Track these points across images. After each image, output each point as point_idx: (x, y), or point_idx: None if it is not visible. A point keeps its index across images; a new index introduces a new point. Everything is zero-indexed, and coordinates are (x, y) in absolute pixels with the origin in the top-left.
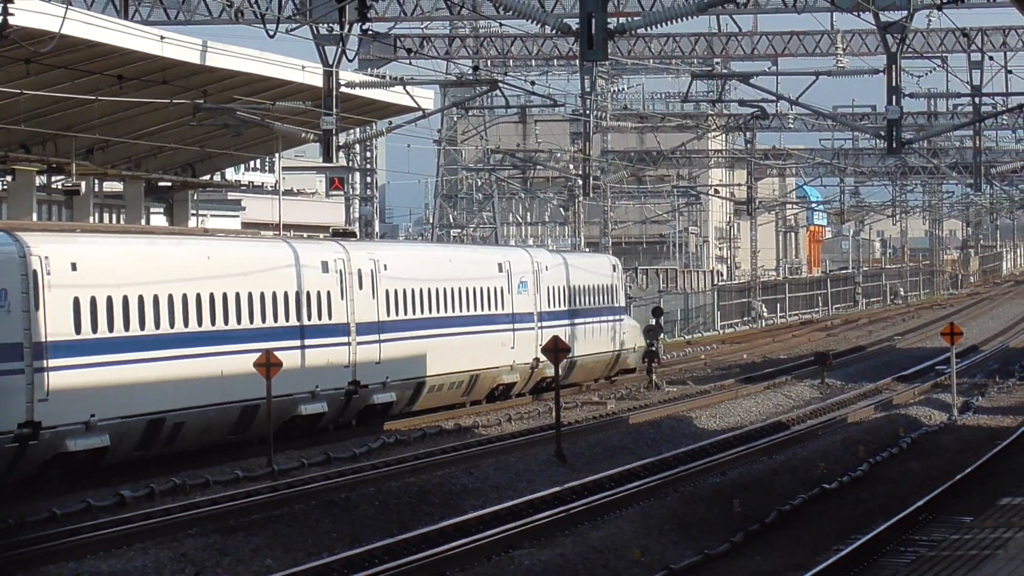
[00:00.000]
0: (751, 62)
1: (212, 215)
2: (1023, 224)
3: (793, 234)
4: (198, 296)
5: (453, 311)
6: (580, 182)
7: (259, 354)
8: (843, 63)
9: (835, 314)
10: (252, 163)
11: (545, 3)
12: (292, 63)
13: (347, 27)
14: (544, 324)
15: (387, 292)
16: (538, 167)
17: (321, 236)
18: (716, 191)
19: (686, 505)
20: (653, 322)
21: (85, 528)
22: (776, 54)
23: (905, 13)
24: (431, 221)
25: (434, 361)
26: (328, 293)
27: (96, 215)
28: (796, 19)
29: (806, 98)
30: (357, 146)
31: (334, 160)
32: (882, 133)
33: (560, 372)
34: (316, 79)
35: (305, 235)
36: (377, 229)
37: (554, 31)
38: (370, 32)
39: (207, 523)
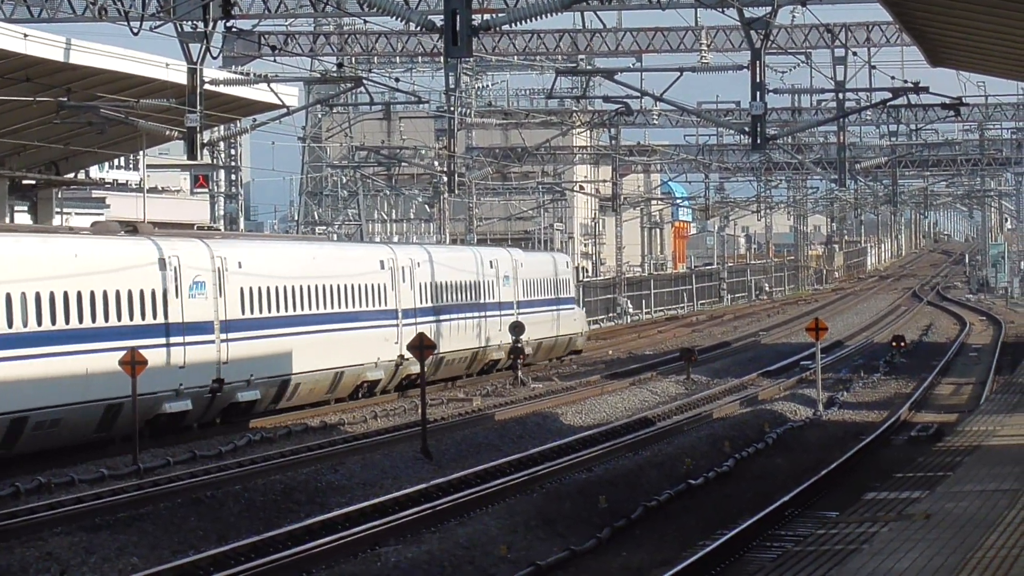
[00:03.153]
0: (616, 58)
1: (76, 213)
2: (887, 219)
3: (658, 230)
4: (308, 287)
5: (461, 300)
6: (445, 179)
7: (352, 332)
8: (707, 59)
9: (700, 310)
10: (116, 161)
11: (409, 0)
12: (156, 60)
13: (211, 24)
14: (522, 311)
15: (419, 284)
16: (403, 164)
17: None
18: (581, 187)
19: (552, 501)
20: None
21: None
22: (641, 50)
23: (769, 9)
24: (296, 218)
25: (449, 340)
26: (384, 285)
27: None
28: (660, 15)
29: (671, 94)
30: (221, 143)
31: (198, 157)
32: (746, 129)
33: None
34: (180, 76)
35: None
36: (242, 226)
37: (419, 28)
38: (234, 29)
39: (72, 522)
